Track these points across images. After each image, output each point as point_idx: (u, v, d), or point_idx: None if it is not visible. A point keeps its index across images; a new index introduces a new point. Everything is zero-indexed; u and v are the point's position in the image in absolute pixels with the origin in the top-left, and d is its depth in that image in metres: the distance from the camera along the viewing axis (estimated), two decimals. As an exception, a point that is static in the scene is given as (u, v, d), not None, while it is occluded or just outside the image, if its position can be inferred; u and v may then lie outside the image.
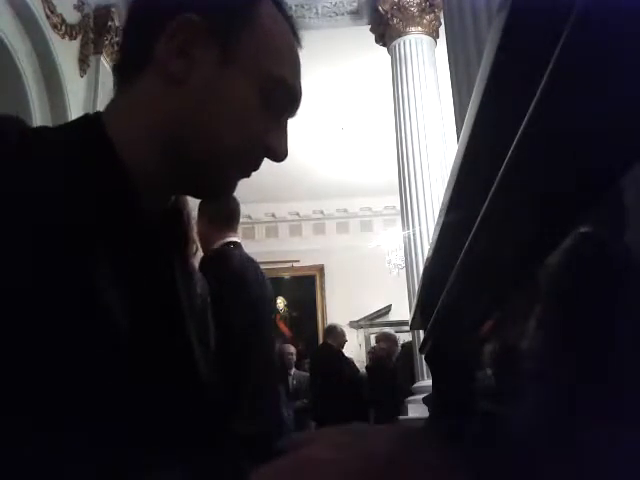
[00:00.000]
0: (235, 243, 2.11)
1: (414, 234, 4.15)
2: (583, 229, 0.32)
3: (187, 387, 0.54)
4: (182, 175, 0.56)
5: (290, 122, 0.62)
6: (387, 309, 7.57)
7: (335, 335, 5.35)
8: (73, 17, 4.49)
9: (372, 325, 7.48)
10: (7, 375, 0.38)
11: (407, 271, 4.28)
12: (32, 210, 0.43)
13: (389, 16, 4.61)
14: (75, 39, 4.51)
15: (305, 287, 8.06)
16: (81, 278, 0.43)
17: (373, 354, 5.67)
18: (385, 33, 4.73)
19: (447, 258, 0.60)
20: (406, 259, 4.33)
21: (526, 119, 0.30)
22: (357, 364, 5.82)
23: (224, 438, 0.61)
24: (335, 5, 4.90)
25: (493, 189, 0.38)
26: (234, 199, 2.13)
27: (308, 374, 5.40)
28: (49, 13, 4.14)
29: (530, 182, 0.34)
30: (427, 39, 4.54)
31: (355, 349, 7.12)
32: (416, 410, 3.70)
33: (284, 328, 7.73)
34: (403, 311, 5.27)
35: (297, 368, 5.70)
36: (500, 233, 0.42)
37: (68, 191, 0.46)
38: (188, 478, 0.48)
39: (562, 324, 0.36)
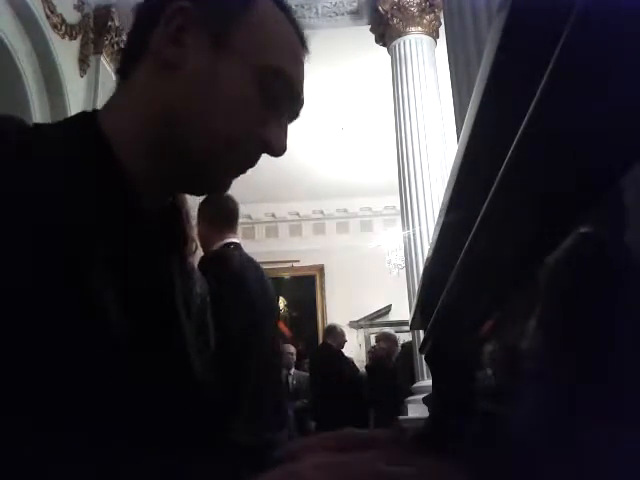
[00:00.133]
0: (235, 244, 2.11)
1: (414, 234, 4.15)
2: (583, 229, 0.32)
3: (183, 387, 0.54)
4: (178, 169, 0.56)
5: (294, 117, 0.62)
6: (387, 309, 7.57)
7: (335, 335, 5.35)
8: (73, 17, 4.49)
9: (372, 325, 7.48)
10: (6, 375, 0.38)
11: (407, 271, 4.28)
12: (30, 210, 0.43)
13: (389, 16, 4.61)
14: (75, 39, 4.51)
15: (305, 287, 8.06)
16: (78, 278, 0.43)
17: (373, 354, 5.67)
18: (385, 33, 4.73)
19: (447, 258, 0.60)
20: (406, 259, 4.33)
21: (526, 119, 0.30)
22: (357, 364, 5.81)
23: (222, 442, 0.61)
24: (335, 5, 4.90)
25: (493, 189, 0.38)
26: (233, 200, 2.13)
27: (308, 374, 5.40)
28: (49, 13, 4.14)
29: (530, 182, 0.34)
30: (427, 39, 4.54)
31: (355, 349, 7.12)
32: (416, 410, 3.70)
33: (284, 328, 7.73)
34: (403, 311, 5.27)
35: (297, 368, 5.70)
36: (500, 233, 0.42)
37: (65, 191, 0.45)
38: None
39: (562, 324, 0.36)
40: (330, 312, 7.75)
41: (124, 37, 4.69)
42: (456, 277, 0.57)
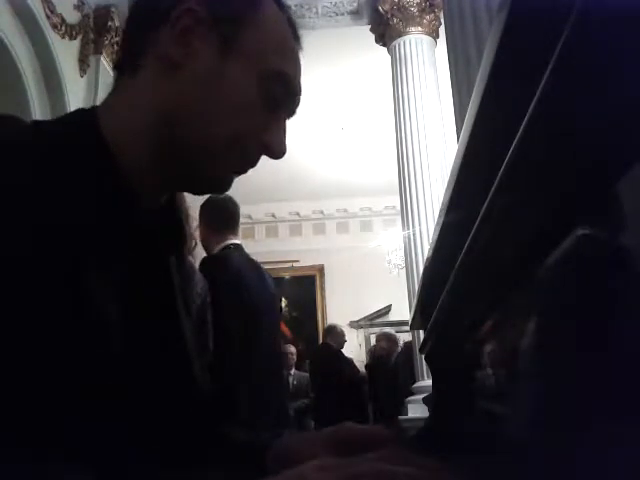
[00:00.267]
0: (236, 245, 2.12)
1: (414, 234, 4.15)
2: (583, 229, 0.32)
3: (182, 387, 0.54)
4: (178, 169, 0.56)
5: (290, 122, 0.62)
6: (387, 309, 7.57)
7: (334, 335, 5.35)
8: (73, 17, 4.49)
9: (372, 325, 7.48)
10: (6, 376, 0.38)
11: (407, 271, 4.28)
12: (29, 209, 0.43)
13: (389, 16, 4.61)
14: (75, 39, 4.51)
15: (305, 287, 8.06)
16: (77, 277, 0.43)
17: (373, 353, 5.67)
18: (385, 33, 4.73)
19: (447, 258, 0.60)
20: (406, 259, 4.32)
21: (526, 119, 0.30)
22: (357, 364, 5.81)
23: (222, 442, 0.61)
24: (335, 5, 4.90)
25: (493, 189, 0.38)
26: (234, 202, 2.15)
27: (308, 374, 5.39)
28: (49, 13, 4.14)
29: (530, 182, 0.34)
30: (427, 39, 4.54)
31: (355, 349, 7.12)
32: (416, 410, 3.70)
33: (284, 328, 7.72)
34: (403, 311, 5.27)
35: (297, 368, 5.70)
36: (500, 233, 0.42)
37: (64, 190, 0.45)
38: None
39: (561, 324, 0.36)
40: (330, 312, 7.74)
41: (124, 37, 4.67)
42: (456, 277, 0.57)
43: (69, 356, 0.41)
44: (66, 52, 4.37)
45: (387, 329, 6.03)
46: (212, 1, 0.55)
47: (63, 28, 4.30)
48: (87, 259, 0.45)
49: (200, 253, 2.06)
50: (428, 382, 3.45)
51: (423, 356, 1.10)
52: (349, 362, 5.51)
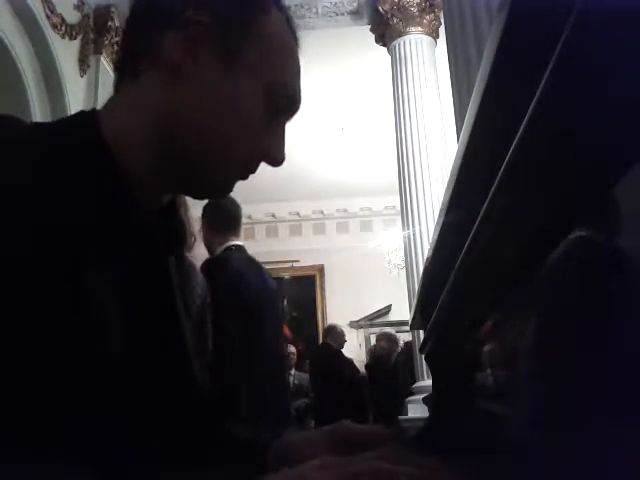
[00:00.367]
0: (237, 246, 2.14)
1: (414, 234, 4.15)
2: (583, 229, 0.32)
3: (182, 386, 0.54)
4: (178, 174, 0.56)
5: (290, 122, 0.62)
6: (387, 309, 7.57)
7: (334, 335, 5.35)
8: (73, 17, 4.49)
9: (372, 325, 7.47)
10: (6, 376, 0.38)
11: (407, 271, 4.28)
12: (29, 209, 0.43)
13: (389, 16, 4.61)
14: (75, 39, 4.51)
15: (305, 287, 8.05)
16: (77, 277, 0.43)
17: (373, 353, 5.67)
18: (385, 33, 4.73)
19: (447, 258, 0.60)
20: (406, 259, 4.32)
21: (526, 119, 0.30)
22: (357, 364, 5.81)
23: (222, 441, 0.61)
24: (335, 5, 4.90)
25: (493, 189, 0.38)
26: (235, 204, 2.17)
27: (308, 374, 5.40)
28: (49, 13, 4.14)
29: (530, 182, 0.34)
30: (427, 39, 4.53)
31: (355, 349, 7.12)
32: (416, 410, 3.70)
33: (284, 328, 7.72)
34: (403, 311, 5.27)
35: (297, 368, 5.70)
36: (500, 233, 0.42)
37: (64, 191, 0.45)
38: None
39: (561, 324, 0.36)
40: (330, 312, 7.74)
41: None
42: (456, 277, 0.57)
43: (69, 355, 0.41)
44: (66, 52, 4.37)
45: (387, 329, 6.02)
46: (220, 11, 0.55)
47: (63, 28, 4.30)
48: (87, 259, 0.45)
49: (202, 254, 2.07)
50: (428, 382, 3.45)
51: (423, 356, 1.10)
52: (349, 362, 5.51)
